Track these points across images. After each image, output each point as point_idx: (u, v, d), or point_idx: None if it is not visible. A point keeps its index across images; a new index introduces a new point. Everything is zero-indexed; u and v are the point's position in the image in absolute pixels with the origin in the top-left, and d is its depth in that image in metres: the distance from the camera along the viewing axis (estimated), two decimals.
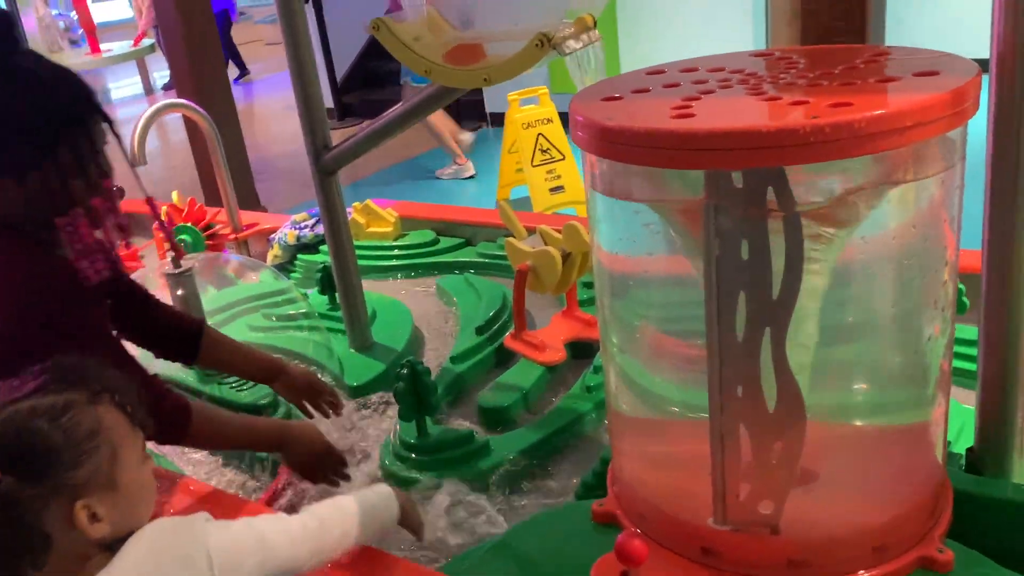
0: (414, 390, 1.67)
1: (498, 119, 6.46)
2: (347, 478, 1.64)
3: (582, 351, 2.08)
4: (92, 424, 0.94)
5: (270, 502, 1.67)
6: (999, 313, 1.30)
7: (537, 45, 1.54)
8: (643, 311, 1.32)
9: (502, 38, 1.70)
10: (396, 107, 1.89)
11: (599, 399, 1.84)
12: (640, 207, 1.24)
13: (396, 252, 2.74)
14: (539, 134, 4.61)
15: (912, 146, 1.03)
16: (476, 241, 2.74)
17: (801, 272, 1.07)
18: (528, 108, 4.63)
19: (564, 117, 4.71)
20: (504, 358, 2.13)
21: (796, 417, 1.14)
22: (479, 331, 2.15)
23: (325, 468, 1.62)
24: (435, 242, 2.76)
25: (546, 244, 2.06)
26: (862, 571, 1.19)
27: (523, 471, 1.70)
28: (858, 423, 1.22)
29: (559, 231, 2.04)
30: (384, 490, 1.32)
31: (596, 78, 1.58)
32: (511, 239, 2.06)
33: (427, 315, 2.41)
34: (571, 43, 1.56)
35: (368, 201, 2.83)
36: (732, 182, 1.07)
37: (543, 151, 4.62)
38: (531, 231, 2.11)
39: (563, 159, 4.63)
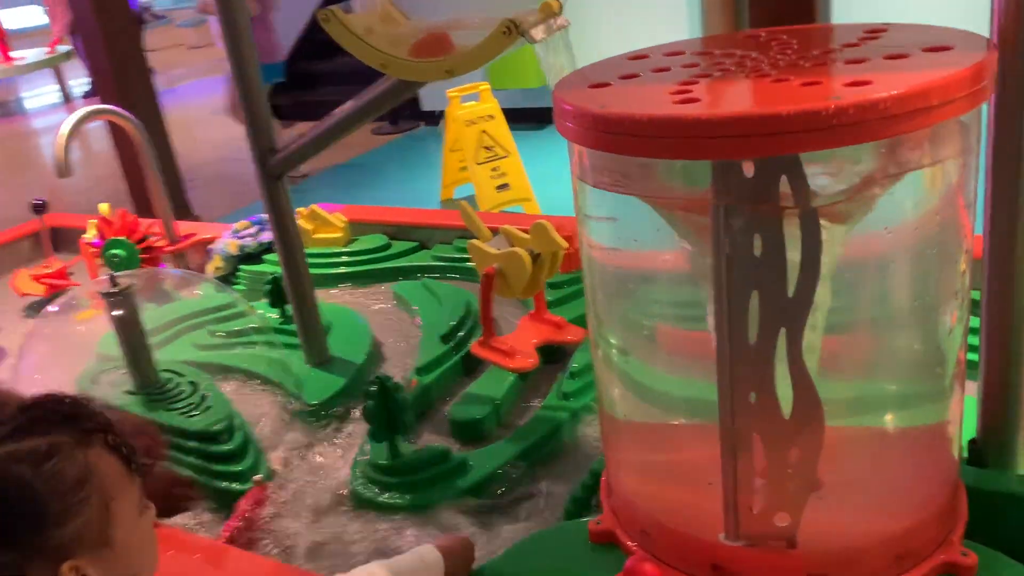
0: (385, 408, 1.55)
1: (434, 118, 6.34)
2: (196, 497, 1.58)
3: (554, 355, 1.98)
4: (81, 471, 0.80)
5: (232, 540, 1.53)
6: (1002, 300, 1.25)
7: (504, 32, 1.43)
8: (641, 309, 1.23)
9: (462, 27, 1.59)
10: (347, 105, 1.76)
11: (577, 406, 1.75)
12: (623, 204, 1.14)
13: (347, 259, 2.61)
14: (482, 131, 4.51)
15: (933, 128, 0.96)
16: (431, 244, 2.62)
17: (819, 268, 0.99)
18: (469, 105, 4.52)
19: (506, 113, 4.64)
20: (472, 367, 2.02)
21: (814, 422, 1.06)
22: (444, 339, 2.04)
23: (174, 502, 1.55)
24: (387, 247, 2.63)
25: (512, 245, 1.96)
26: None
27: (506, 488, 1.59)
28: (876, 424, 1.15)
29: (525, 231, 1.94)
30: (428, 554, 1.18)
31: (569, 65, 1.49)
32: (475, 241, 1.96)
33: (386, 324, 2.29)
34: (539, 29, 1.46)
35: (314, 206, 2.69)
36: (742, 173, 0.98)
37: (487, 148, 4.51)
38: (494, 231, 2.00)
39: (507, 156, 4.54)
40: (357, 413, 1.86)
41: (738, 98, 1.00)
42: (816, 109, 0.88)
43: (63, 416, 0.82)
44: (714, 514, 1.16)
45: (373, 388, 1.55)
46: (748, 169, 0.97)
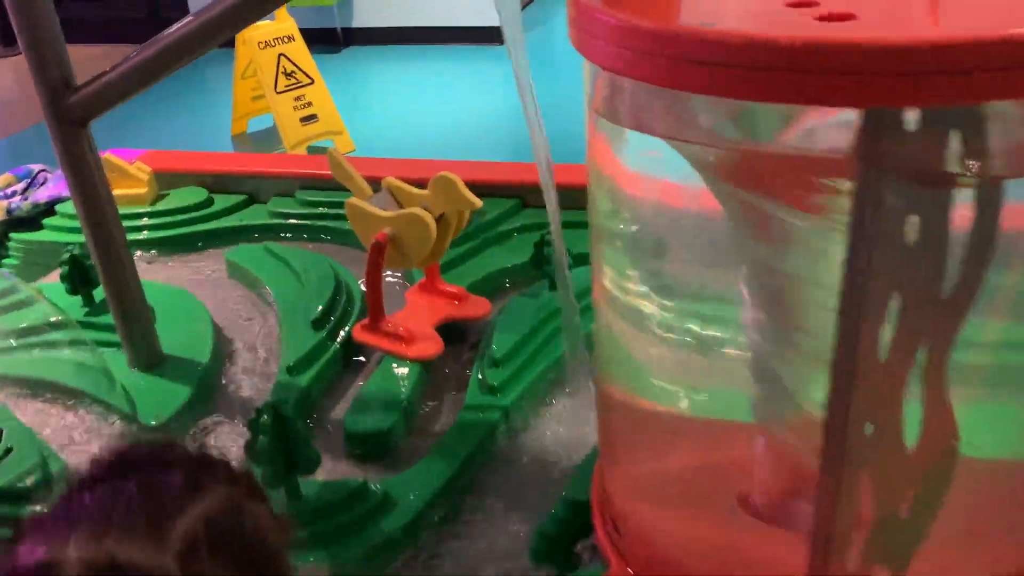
0: (281, 443, 1.14)
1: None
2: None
3: (454, 336, 1.62)
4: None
5: None
6: None
7: None
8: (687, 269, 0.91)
9: None
10: (185, 21, 1.27)
11: (508, 403, 1.41)
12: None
13: (156, 220, 2.08)
14: (280, 55, 3.94)
15: None
16: (264, 198, 2.14)
17: (990, 259, 0.72)
18: (264, 25, 3.92)
19: (305, 34, 4.08)
20: (350, 358, 1.62)
21: (945, 458, 0.80)
22: (316, 325, 1.62)
23: None
24: (209, 203, 2.12)
25: (400, 203, 1.57)
26: None
27: (445, 524, 1.25)
28: (1000, 452, 0.91)
29: (414, 184, 1.56)
30: None
31: None
32: (355, 201, 1.55)
33: (224, 305, 1.80)
34: None
35: (108, 154, 2.10)
36: (903, 128, 0.68)
37: (287, 75, 3.95)
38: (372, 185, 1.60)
39: (312, 83, 4.00)
40: (220, 434, 1.42)
41: (905, 18, 0.68)
42: None
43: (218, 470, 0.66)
44: (786, 563, 0.89)
45: (264, 418, 1.13)
46: (913, 122, 0.67)
